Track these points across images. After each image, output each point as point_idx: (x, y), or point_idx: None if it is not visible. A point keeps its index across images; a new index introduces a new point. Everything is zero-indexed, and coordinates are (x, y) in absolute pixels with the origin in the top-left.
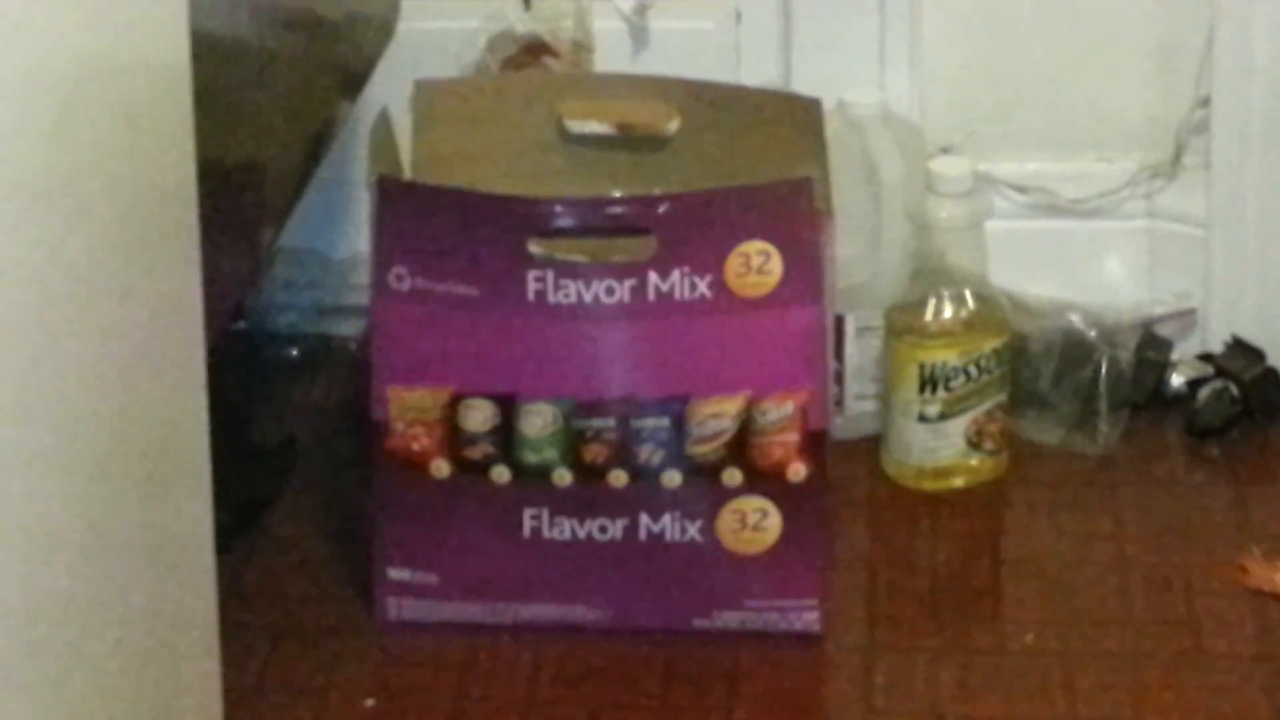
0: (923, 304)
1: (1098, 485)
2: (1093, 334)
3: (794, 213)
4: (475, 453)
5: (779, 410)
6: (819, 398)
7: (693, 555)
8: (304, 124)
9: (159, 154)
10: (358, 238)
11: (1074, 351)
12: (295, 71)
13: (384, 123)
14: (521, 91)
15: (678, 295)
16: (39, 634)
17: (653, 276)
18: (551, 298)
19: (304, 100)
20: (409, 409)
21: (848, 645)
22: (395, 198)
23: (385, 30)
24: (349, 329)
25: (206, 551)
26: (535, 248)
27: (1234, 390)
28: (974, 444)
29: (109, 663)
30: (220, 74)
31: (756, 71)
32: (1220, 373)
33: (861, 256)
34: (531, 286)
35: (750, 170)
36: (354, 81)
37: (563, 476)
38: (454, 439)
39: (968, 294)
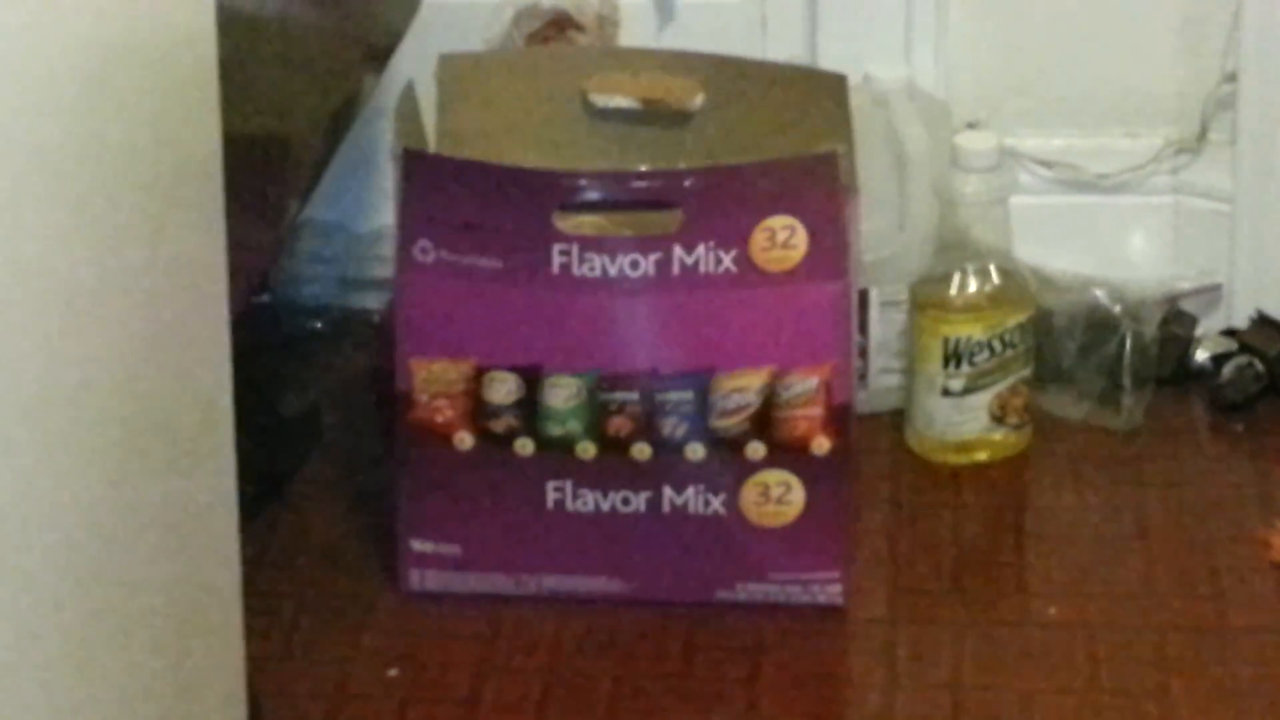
0: (947, 278)
1: (1121, 460)
2: (1117, 309)
3: (819, 187)
4: (499, 425)
5: (803, 384)
6: (843, 371)
7: (716, 528)
8: (329, 97)
9: (184, 127)
10: (382, 211)
11: (1098, 326)
12: (320, 45)
13: (409, 96)
14: (546, 66)
15: (703, 269)
16: (64, 604)
17: (678, 250)
18: (576, 271)
19: (329, 74)
20: (433, 381)
21: (870, 618)
22: (420, 171)
23: (411, 4)
24: (373, 301)
25: (230, 522)
26: (560, 221)
27: (1259, 365)
28: (998, 418)
29: (133, 632)
30: (245, 47)
31: (782, 46)
32: (1245, 348)
33: (886, 231)
34: (556, 260)
35: (775, 145)
36: (379, 55)
37: (586, 449)
38: (478, 411)
39: (992, 269)
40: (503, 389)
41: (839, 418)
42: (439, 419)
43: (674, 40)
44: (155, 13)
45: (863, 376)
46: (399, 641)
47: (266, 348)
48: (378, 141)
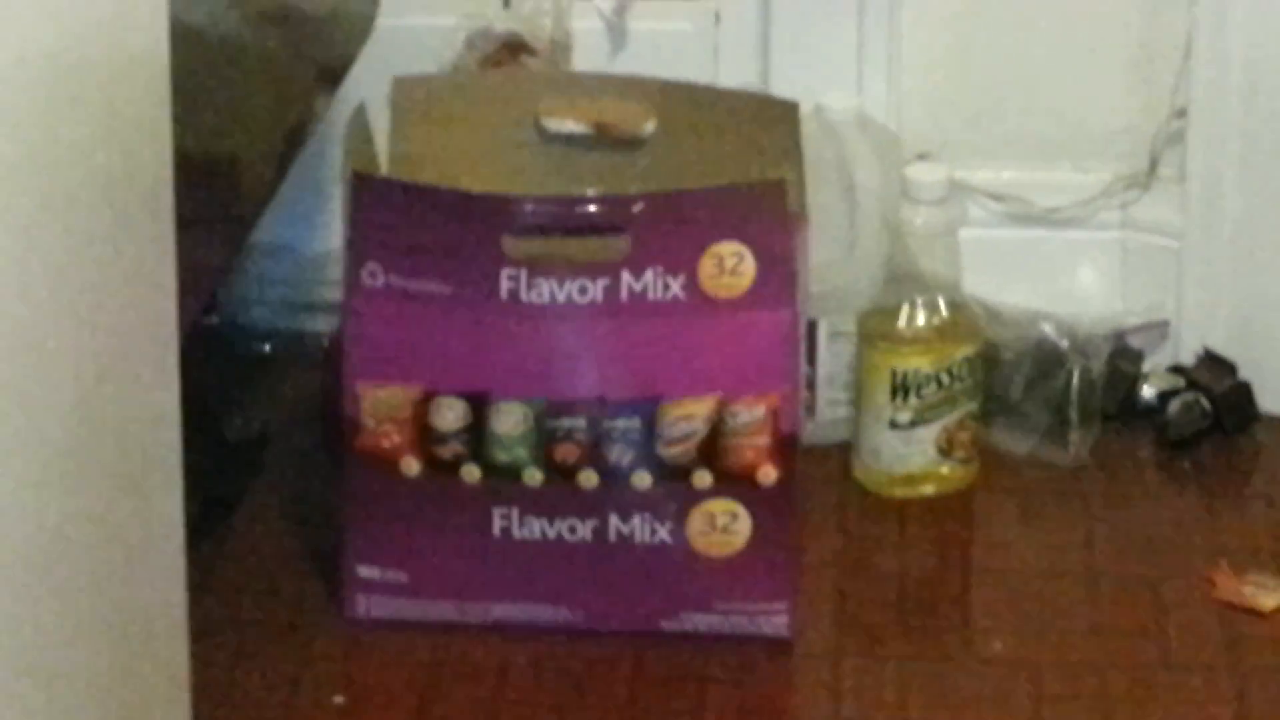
0: (896, 310)
1: (1068, 495)
2: (1065, 344)
3: (767, 214)
4: (446, 451)
5: (750, 413)
6: (790, 401)
7: (662, 557)
8: (281, 119)
9: (136, 146)
10: (332, 233)
11: (1046, 361)
12: (273, 66)
13: (361, 118)
14: (499, 90)
15: (651, 295)
16: (7, 627)
17: (626, 276)
18: (524, 296)
19: (281, 95)
20: (380, 406)
21: (816, 651)
22: (370, 194)
23: (364, 26)
24: (322, 325)
25: (177, 545)
26: (509, 246)
27: (1205, 402)
28: (945, 452)
29: (78, 656)
30: (198, 67)
31: (734, 73)
32: (1191, 385)
33: (836, 261)
34: (505, 285)
35: (726, 172)
36: (332, 77)
37: (533, 476)
38: (425, 437)
39: (941, 301)
40: (450, 415)
41: (786, 447)
42: (386, 445)
43: (626, 66)
44: (108, 32)
45: (810, 408)
46: (345, 668)
47: (214, 370)
48: (329, 164)
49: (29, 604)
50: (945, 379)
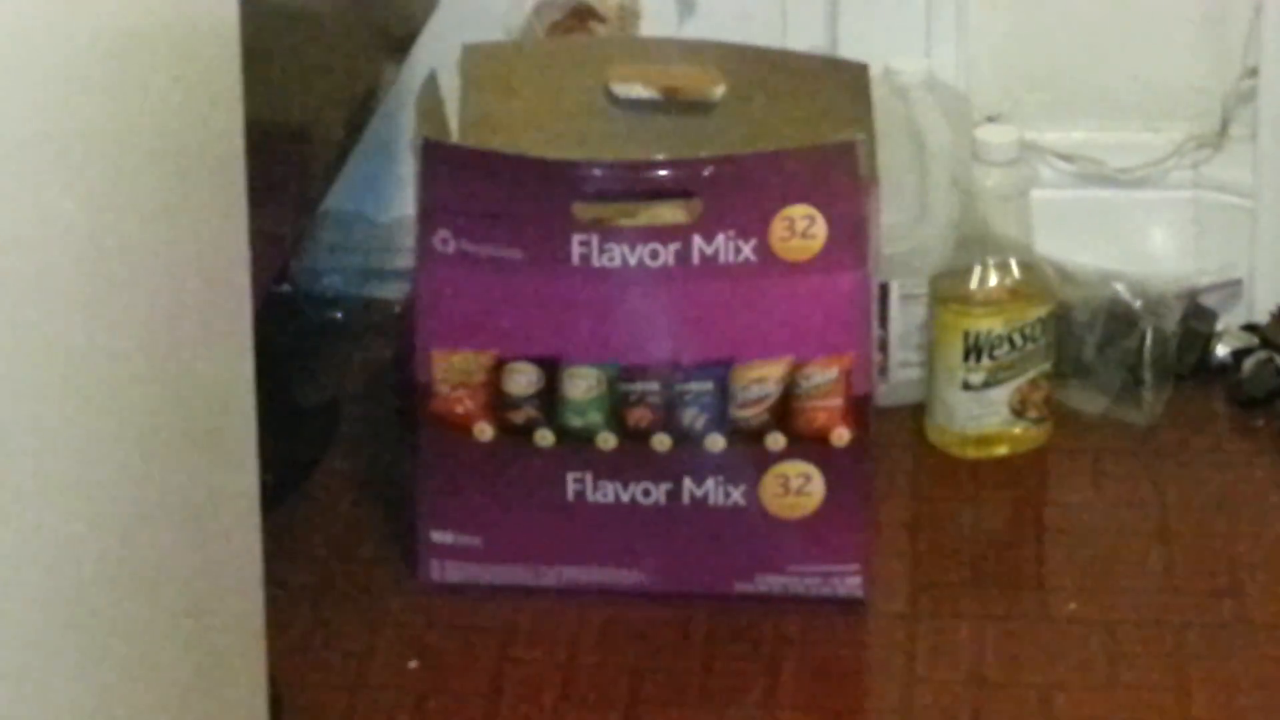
0: (968, 272)
1: (1141, 455)
2: (1138, 304)
3: (838, 177)
4: (519, 416)
5: (823, 375)
6: (863, 362)
7: (736, 519)
8: (350, 87)
9: (207, 116)
10: (403, 201)
11: (1119, 321)
12: (342, 34)
13: (432, 86)
14: (568, 56)
15: (722, 259)
16: (85, 595)
17: (697, 240)
18: (596, 261)
19: (351, 63)
20: (453, 372)
21: (890, 611)
22: (440, 160)
23: None
24: (393, 292)
25: (252, 512)
26: (580, 211)
27: (1279, 361)
28: (1018, 412)
29: (155, 622)
30: (268, 36)
31: (803, 37)
32: (1265, 343)
33: (907, 224)
34: (576, 250)
35: (796, 135)
36: (400, 45)
37: (606, 440)
38: (498, 402)
39: (1013, 263)
40: (522, 380)
41: (859, 409)
42: (459, 410)
43: (695, 31)
44: (179, 2)
45: (883, 370)
46: (419, 633)
47: (287, 338)
48: (399, 131)
49: (105, 570)
50: (1018, 340)
